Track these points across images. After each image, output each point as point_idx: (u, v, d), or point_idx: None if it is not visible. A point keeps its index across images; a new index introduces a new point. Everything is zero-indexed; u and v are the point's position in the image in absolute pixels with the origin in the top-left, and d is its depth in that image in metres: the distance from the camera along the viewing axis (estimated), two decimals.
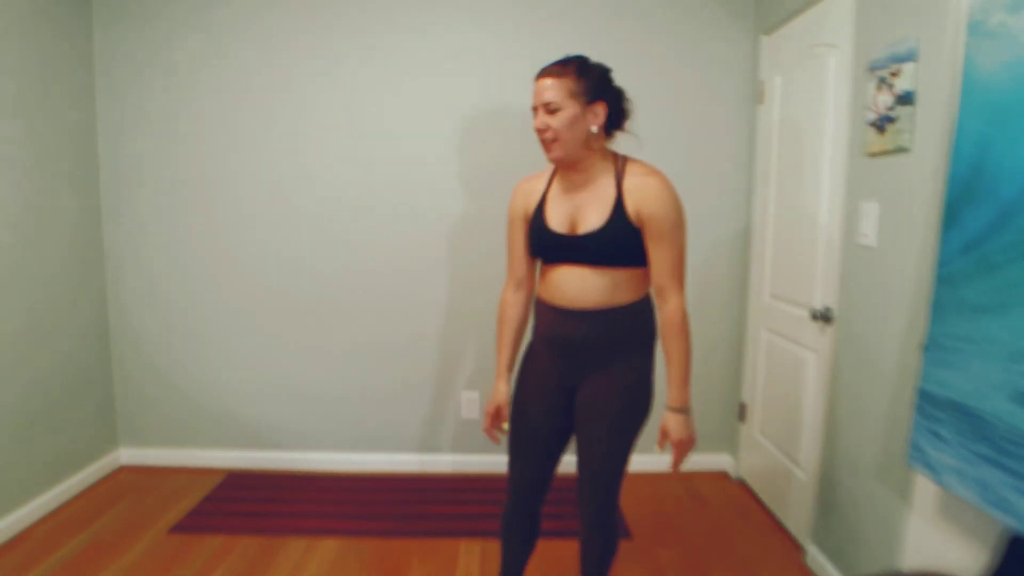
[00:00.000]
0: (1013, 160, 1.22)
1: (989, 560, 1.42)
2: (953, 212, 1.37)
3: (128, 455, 2.97)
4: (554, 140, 1.47)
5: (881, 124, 1.78)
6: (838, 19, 2.07)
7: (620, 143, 1.64)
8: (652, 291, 1.55)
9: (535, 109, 1.48)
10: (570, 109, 1.44)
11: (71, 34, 2.61)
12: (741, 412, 2.87)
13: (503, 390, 1.66)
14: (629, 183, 1.47)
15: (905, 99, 1.68)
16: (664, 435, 1.56)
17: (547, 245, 1.54)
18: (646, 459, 2.96)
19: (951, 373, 1.37)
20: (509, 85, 2.72)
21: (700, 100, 2.75)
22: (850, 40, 1.98)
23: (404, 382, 2.90)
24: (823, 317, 2.14)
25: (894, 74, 1.72)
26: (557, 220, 1.52)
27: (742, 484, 2.84)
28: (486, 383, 2.85)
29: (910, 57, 1.66)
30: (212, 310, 2.87)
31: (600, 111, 1.48)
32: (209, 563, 2.18)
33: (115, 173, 2.80)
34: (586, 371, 1.55)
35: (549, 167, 1.62)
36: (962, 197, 1.35)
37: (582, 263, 1.48)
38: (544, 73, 1.47)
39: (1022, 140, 1.20)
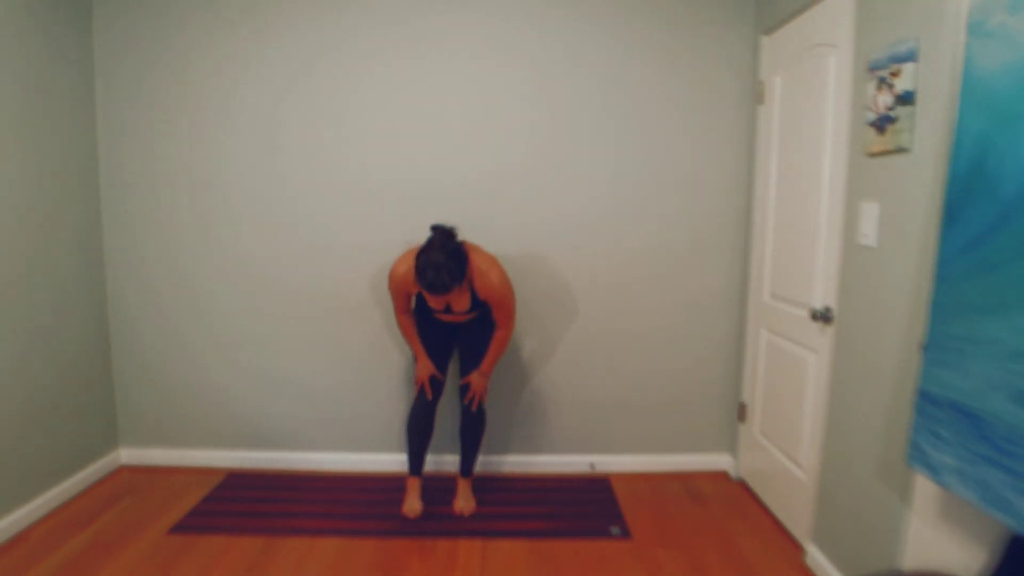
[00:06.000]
0: (1013, 160, 1.22)
1: (989, 560, 1.42)
2: (953, 212, 1.37)
3: (128, 455, 2.97)
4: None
5: (881, 124, 1.78)
6: (838, 19, 2.07)
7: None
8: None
9: (437, 301, 2.29)
10: (458, 292, 2.26)
11: (71, 35, 2.61)
12: (741, 412, 2.87)
13: (430, 362, 2.53)
14: (477, 284, 2.32)
15: (905, 99, 1.68)
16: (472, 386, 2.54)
17: (432, 316, 2.48)
18: (646, 459, 2.97)
19: (951, 373, 1.37)
20: (506, 86, 2.72)
21: (700, 100, 2.76)
22: (850, 40, 1.99)
23: (404, 382, 2.90)
24: (823, 317, 2.14)
25: (894, 74, 1.72)
26: (435, 306, 2.39)
27: (742, 484, 2.84)
28: None
29: (910, 57, 1.66)
30: (212, 310, 2.87)
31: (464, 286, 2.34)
32: (209, 563, 2.18)
33: (115, 174, 2.81)
34: (461, 333, 2.55)
35: (411, 259, 2.32)
36: (962, 197, 1.35)
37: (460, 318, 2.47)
38: (446, 292, 2.16)
39: (1022, 140, 1.20)
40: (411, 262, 2.30)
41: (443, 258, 2.12)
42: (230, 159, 2.78)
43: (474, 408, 2.55)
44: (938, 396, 1.41)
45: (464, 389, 2.55)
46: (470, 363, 2.54)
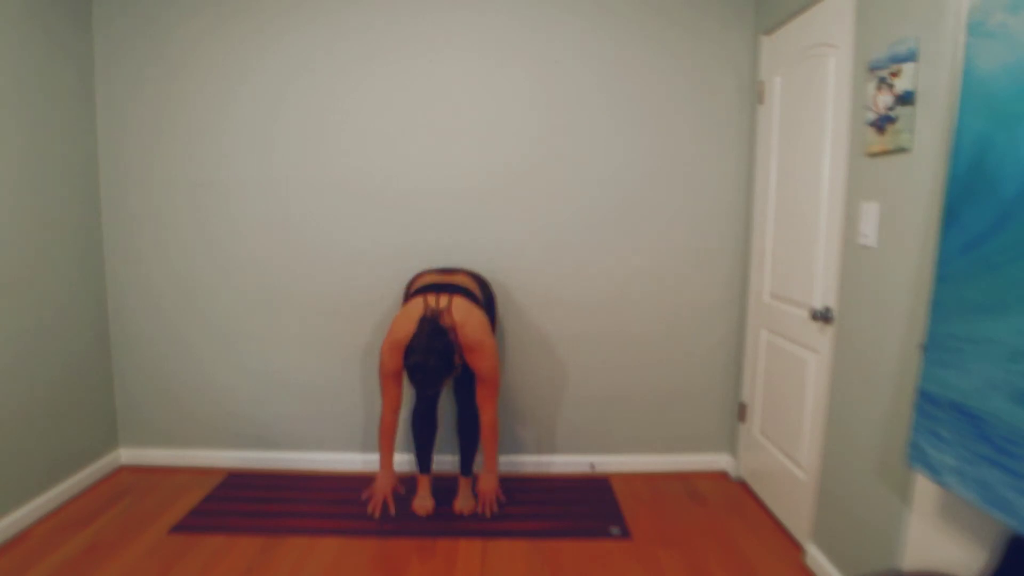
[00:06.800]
0: (1013, 160, 1.22)
1: (989, 560, 1.42)
2: (953, 212, 1.37)
3: (128, 455, 2.97)
4: None
5: (881, 124, 1.78)
6: (838, 19, 2.07)
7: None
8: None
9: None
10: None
11: (71, 34, 2.61)
12: (741, 412, 2.87)
13: (393, 477, 2.54)
14: (468, 357, 2.34)
15: (905, 99, 1.68)
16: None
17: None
18: (646, 459, 2.97)
19: (951, 373, 1.37)
20: (505, 87, 2.72)
21: (700, 100, 2.76)
22: (850, 40, 1.99)
23: (403, 383, 2.90)
24: (823, 317, 2.14)
25: (894, 74, 1.72)
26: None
27: (742, 484, 2.84)
28: None
29: (910, 57, 1.66)
30: (212, 311, 2.87)
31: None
32: (209, 563, 2.18)
33: (115, 174, 2.81)
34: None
35: (400, 332, 2.31)
36: (962, 197, 1.35)
37: None
38: (434, 389, 2.23)
39: (1022, 140, 1.20)
40: (399, 335, 2.30)
41: (433, 360, 2.16)
42: (230, 159, 2.78)
43: (487, 514, 2.52)
44: (938, 396, 1.41)
45: (477, 397, 2.47)
46: (464, 387, 2.55)
